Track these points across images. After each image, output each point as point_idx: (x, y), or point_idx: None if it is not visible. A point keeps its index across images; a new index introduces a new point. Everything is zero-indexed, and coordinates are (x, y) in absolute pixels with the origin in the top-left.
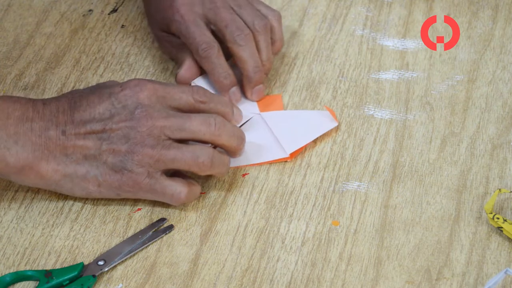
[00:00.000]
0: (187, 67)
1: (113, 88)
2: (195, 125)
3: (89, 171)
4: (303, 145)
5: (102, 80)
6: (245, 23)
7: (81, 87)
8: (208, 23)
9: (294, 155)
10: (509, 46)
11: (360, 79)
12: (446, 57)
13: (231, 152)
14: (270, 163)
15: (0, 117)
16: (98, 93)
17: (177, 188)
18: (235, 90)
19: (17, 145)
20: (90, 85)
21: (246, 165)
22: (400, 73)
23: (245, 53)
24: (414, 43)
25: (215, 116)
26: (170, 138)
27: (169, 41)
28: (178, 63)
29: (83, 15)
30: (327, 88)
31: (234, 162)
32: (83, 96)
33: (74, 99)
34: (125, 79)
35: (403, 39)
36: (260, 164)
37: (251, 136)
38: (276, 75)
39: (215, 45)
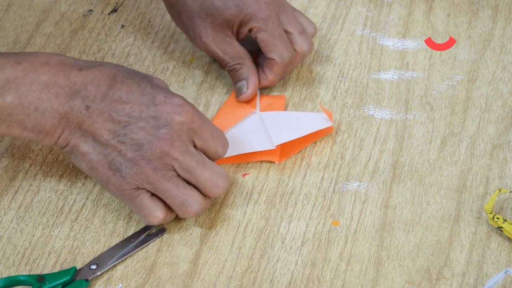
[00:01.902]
0: (252, 91)
1: (158, 93)
2: (204, 176)
3: (90, 153)
4: (290, 138)
5: None
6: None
7: None
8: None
9: (284, 158)
10: (509, 46)
11: (360, 79)
12: (446, 57)
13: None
14: (258, 160)
15: (24, 83)
16: (142, 88)
17: (155, 211)
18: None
19: (37, 112)
20: None
21: (233, 156)
22: (400, 73)
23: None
24: (414, 43)
25: (224, 178)
26: (175, 171)
27: (225, 49)
28: (236, 75)
29: (83, 15)
30: (327, 88)
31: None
32: (126, 81)
33: (116, 78)
34: None
35: (403, 39)
36: (248, 159)
37: (242, 129)
38: None
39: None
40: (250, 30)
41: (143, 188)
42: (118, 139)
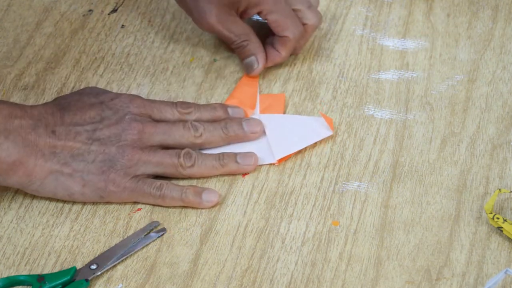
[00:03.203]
0: (262, 67)
1: (103, 97)
2: (178, 130)
3: (76, 170)
4: (292, 152)
5: (102, 80)
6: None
7: (81, 87)
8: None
9: (283, 159)
10: (509, 46)
11: (360, 79)
12: (446, 57)
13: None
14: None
15: None
16: (87, 100)
17: (160, 183)
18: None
19: (8, 141)
20: (90, 85)
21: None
22: (400, 73)
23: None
24: (414, 43)
25: (199, 122)
26: (156, 144)
27: (231, 26)
28: (244, 51)
29: (83, 15)
30: (327, 88)
31: None
32: (72, 102)
33: (62, 104)
34: (125, 79)
35: (403, 39)
36: None
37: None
38: (276, 75)
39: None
40: (259, 13)
41: (141, 175)
42: (96, 143)
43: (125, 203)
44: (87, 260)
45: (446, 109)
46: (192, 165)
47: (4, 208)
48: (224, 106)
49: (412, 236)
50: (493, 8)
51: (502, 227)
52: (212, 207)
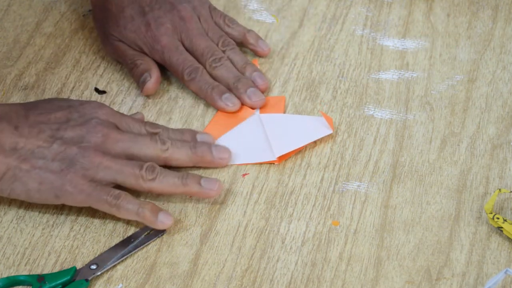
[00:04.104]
0: (156, 79)
1: (72, 102)
2: (144, 141)
3: (34, 167)
4: (292, 149)
5: (102, 80)
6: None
7: (81, 87)
8: (186, 49)
9: (283, 158)
10: (509, 46)
11: (360, 79)
12: (446, 57)
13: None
14: (257, 163)
15: None
16: (56, 103)
17: (117, 192)
18: (227, 95)
19: None
20: (90, 85)
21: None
22: (400, 73)
23: (220, 71)
24: (414, 43)
25: (165, 132)
26: (120, 152)
27: (126, 51)
28: (137, 71)
29: (83, 15)
30: (327, 88)
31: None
32: (39, 104)
33: (28, 105)
34: (125, 79)
35: (403, 39)
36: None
37: (243, 136)
38: (276, 75)
39: (199, 66)
40: None
41: (99, 180)
42: (58, 142)
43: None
44: (87, 260)
45: (446, 109)
46: (153, 179)
47: (4, 208)
48: (193, 132)
49: (412, 236)
50: (493, 8)
51: (502, 227)
52: (164, 229)
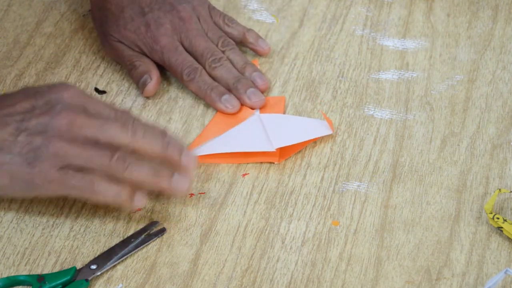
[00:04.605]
0: (156, 81)
1: (39, 88)
2: (114, 128)
3: (2, 163)
4: (291, 143)
5: (102, 80)
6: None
7: (81, 87)
8: (186, 50)
9: (283, 158)
10: (509, 46)
11: (360, 79)
12: (446, 57)
13: (175, 165)
14: (257, 161)
15: None
16: (23, 92)
17: (89, 177)
18: (227, 97)
19: None
20: (90, 85)
21: (232, 157)
22: (400, 73)
23: (220, 71)
24: (414, 43)
25: (137, 121)
26: (88, 138)
27: (124, 51)
28: (137, 72)
29: (83, 15)
30: (327, 88)
31: (219, 148)
32: (7, 95)
33: None
34: (125, 80)
35: (403, 39)
36: (247, 160)
37: (241, 130)
38: (276, 75)
39: (198, 67)
40: None
41: (68, 166)
42: (23, 134)
43: None
44: (87, 260)
45: (446, 109)
46: (124, 170)
47: (4, 208)
48: (165, 133)
49: (412, 236)
50: (493, 8)
51: (502, 227)
52: (135, 211)
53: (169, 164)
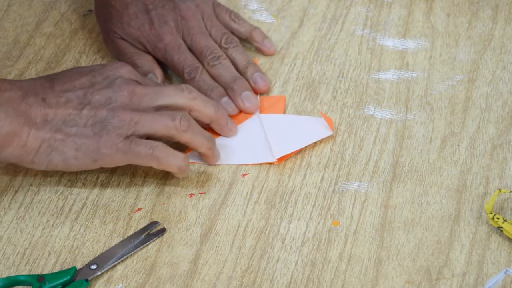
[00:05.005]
0: (161, 81)
1: (93, 66)
2: (171, 90)
3: (68, 135)
4: (292, 151)
5: None
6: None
7: None
8: (188, 48)
9: (283, 158)
10: (509, 46)
11: (360, 79)
12: (446, 57)
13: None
14: (257, 163)
15: None
16: (77, 70)
17: (153, 143)
18: (226, 100)
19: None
20: None
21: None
22: (400, 73)
23: (218, 70)
24: (414, 43)
25: (189, 86)
26: (149, 105)
27: (126, 48)
28: (140, 71)
29: (83, 15)
30: (327, 88)
31: (222, 160)
32: (61, 73)
33: (51, 76)
34: None
35: (403, 39)
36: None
37: (243, 136)
38: (276, 75)
39: (198, 66)
40: None
41: (133, 135)
42: (87, 107)
43: (125, 203)
44: (87, 260)
45: (446, 109)
46: (186, 130)
47: (4, 208)
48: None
49: (412, 236)
50: (493, 8)
51: (502, 227)
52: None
53: (216, 127)
